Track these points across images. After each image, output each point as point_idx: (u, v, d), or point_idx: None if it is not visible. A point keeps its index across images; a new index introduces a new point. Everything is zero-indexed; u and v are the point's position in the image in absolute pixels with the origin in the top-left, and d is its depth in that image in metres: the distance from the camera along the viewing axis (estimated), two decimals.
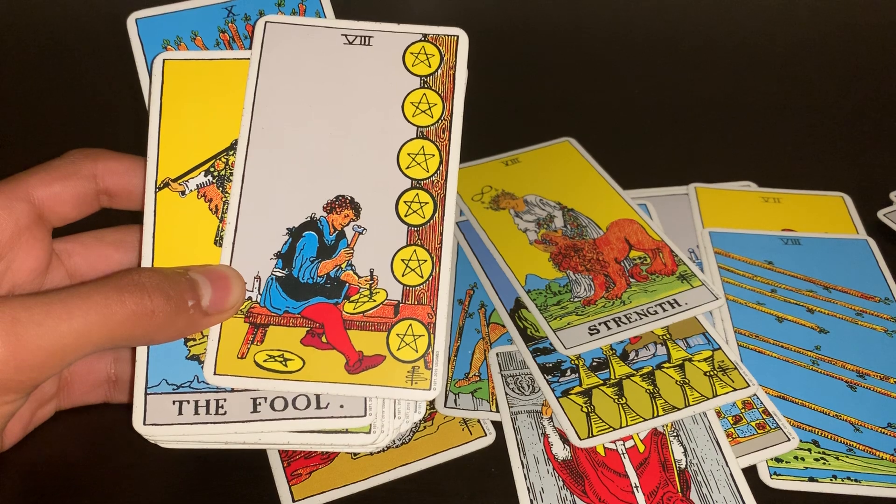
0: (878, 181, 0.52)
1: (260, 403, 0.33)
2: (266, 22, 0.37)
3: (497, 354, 0.41)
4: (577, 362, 0.40)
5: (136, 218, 0.36)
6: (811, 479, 0.36)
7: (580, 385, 0.39)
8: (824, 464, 0.36)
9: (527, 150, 0.54)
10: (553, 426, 0.38)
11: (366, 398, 0.33)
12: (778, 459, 0.37)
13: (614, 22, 0.71)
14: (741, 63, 0.66)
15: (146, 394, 0.33)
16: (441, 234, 0.34)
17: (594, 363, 0.40)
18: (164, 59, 0.36)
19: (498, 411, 0.39)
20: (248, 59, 0.36)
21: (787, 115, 0.60)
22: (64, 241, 0.37)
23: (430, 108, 0.35)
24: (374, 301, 0.34)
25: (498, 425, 0.38)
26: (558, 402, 0.38)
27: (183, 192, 0.35)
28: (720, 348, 0.40)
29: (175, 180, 0.35)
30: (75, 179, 0.35)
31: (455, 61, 0.36)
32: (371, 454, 0.37)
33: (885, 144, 0.57)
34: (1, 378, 0.28)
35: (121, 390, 0.38)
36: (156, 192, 0.35)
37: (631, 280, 0.44)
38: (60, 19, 0.71)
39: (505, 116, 0.60)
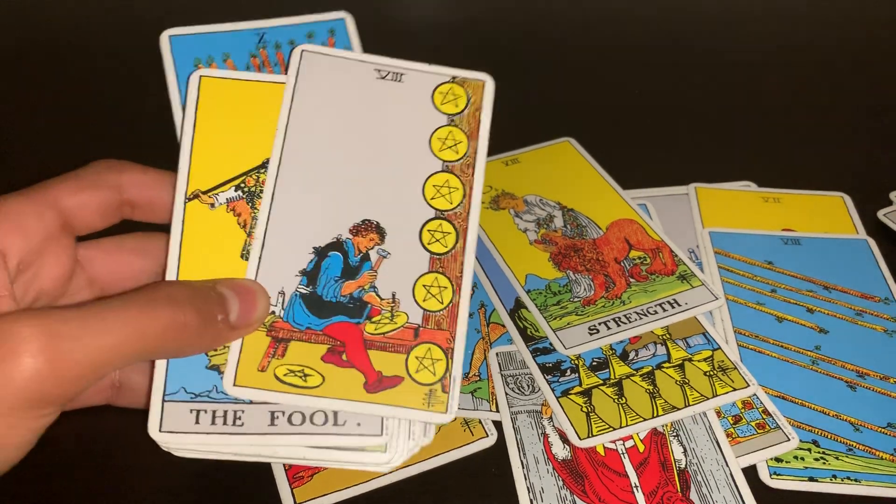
0: (878, 181, 0.52)
1: (277, 417, 0.33)
2: (303, 50, 0.37)
3: (497, 354, 0.42)
4: (576, 362, 0.40)
5: (155, 227, 0.36)
6: (811, 479, 0.36)
7: (580, 385, 0.39)
8: (824, 463, 0.36)
9: (527, 150, 0.54)
10: (553, 426, 0.38)
11: (383, 418, 0.33)
12: (778, 459, 0.37)
13: (614, 22, 0.71)
14: (741, 63, 0.66)
15: (164, 401, 0.33)
16: (462, 265, 0.35)
17: (594, 363, 0.40)
18: (200, 76, 0.37)
19: (498, 411, 0.39)
20: (283, 83, 0.37)
21: (787, 115, 0.60)
22: (84, 247, 0.37)
23: (455, 145, 0.36)
24: (395, 323, 0.34)
25: (498, 425, 0.39)
26: (558, 402, 0.38)
27: (212, 205, 0.35)
28: (720, 348, 0.41)
29: (205, 193, 0.35)
30: (101, 189, 0.35)
31: (481, 104, 0.37)
32: None
33: (885, 144, 0.57)
34: (42, 391, 0.28)
35: (123, 395, 0.38)
36: (185, 203, 0.35)
37: (631, 280, 0.44)
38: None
39: (505, 116, 0.60)
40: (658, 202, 0.50)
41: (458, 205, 0.36)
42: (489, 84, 0.37)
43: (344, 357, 0.33)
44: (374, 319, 0.34)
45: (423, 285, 0.35)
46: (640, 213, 0.48)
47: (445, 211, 0.36)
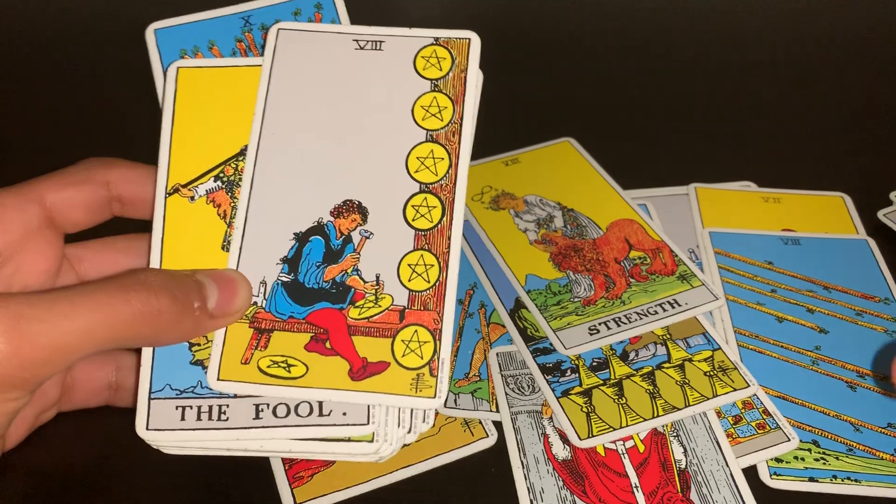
0: (878, 181, 0.52)
1: (262, 410, 0.32)
2: (279, 29, 0.37)
3: (497, 354, 0.42)
4: (577, 362, 0.40)
5: (147, 227, 0.36)
6: (811, 479, 0.36)
7: (580, 385, 0.39)
8: (824, 464, 0.36)
9: (527, 150, 0.54)
10: (553, 426, 0.38)
11: (369, 406, 0.32)
12: (778, 459, 0.37)
13: (614, 22, 0.71)
14: (741, 63, 0.66)
15: (150, 398, 0.33)
16: (449, 239, 0.34)
17: (594, 363, 0.40)
18: (177, 67, 0.36)
19: (498, 411, 0.39)
20: (261, 65, 0.36)
21: (787, 115, 0.60)
22: (75, 246, 0.37)
23: (440, 112, 0.35)
24: (380, 306, 0.33)
25: (498, 425, 0.39)
26: (558, 402, 0.38)
27: (192, 198, 0.35)
28: (720, 348, 0.40)
29: (185, 186, 0.35)
30: (88, 185, 0.35)
31: (467, 64, 0.36)
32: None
33: (885, 144, 0.57)
34: (4, 374, 0.28)
35: (122, 396, 0.38)
36: (165, 198, 0.35)
37: (631, 280, 0.44)
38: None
39: (505, 116, 0.60)
40: (658, 202, 0.50)
41: (444, 175, 0.35)
42: (475, 42, 0.36)
43: (328, 345, 0.33)
44: (357, 304, 0.33)
45: (409, 264, 0.34)
46: (640, 213, 0.48)
47: (430, 184, 0.34)
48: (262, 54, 0.37)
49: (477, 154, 0.53)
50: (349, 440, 0.32)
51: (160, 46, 0.38)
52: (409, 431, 0.33)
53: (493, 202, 0.49)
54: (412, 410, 0.33)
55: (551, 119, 0.59)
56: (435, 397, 0.32)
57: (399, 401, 0.32)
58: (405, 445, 0.37)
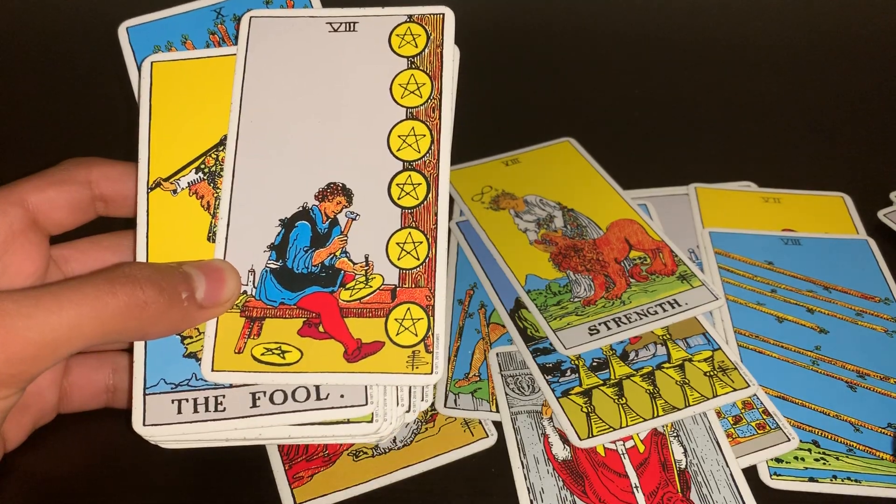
0: (878, 181, 0.52)
1: (259, 398, 0.32)
2: (251, 17, 0.37)
3: (497, 354, 0.42)
4: (577, 362, 0.40)
5: (133, 224, 0.36)
6: (811, 480, 0.36)
7: (580, 385, 0.39)
8: (824, 464, 0.36)
9: (527, 150, 0.54)
10: (553, 426, 0.38)
11: (366, 387, 0.32)
12: (778, 459, 0.37)
13: (614, 21, 0.71)
14: (741, 63, 0.66)
15: (145, 394, 0.33)
16: (436, 215, 0.34)
17: (594, 363, 0.40)
18: (151, 62, 0.36)
19: (498, 411, 0.39)
20: (235, 55, 0.36)
21: (787, 115, 0.60)
22: (61, 247, 0.37)
23: (418, 89, 0.35)
24: (371, 287, 0.33)
25: (498, 425, 0.38)
26: (558, 402, 0.38)
27: (175, 191, 0.35)
28: (720, 348, 0.40)
29: (166, 180, 0.35)
30: (70, 185, 0.35)
31: (442, 39, 0.36)
32: (373, 456, 0.37)
33: (885, 144, 0.57)
34: None
35: (120, 398, 0.38)
36: (148, 193, 0.35)
37: (631, 280, 0.44)
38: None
39: (505, 116, 0.60)
40: (658, 202, 0.50)
41: (427, 152, 0.34)
42: (449, 16, 0.36)
43: (321, 328, 0.33)
44: (348, 286, 0.33)
45: (397, 243, 0.34)
46: (640, 213, 0.48)
47: (414, 161, 0.34)
48: (235, 45, 0.37)
49: (477, 154, 0.53)
50: (348, 422, 0.32)
51: (133, 44, 0.38)
52: (408, 410, 0.33)
53: (493, 202, 0.49)
54: (410, 388, 0.33)
55: (551, 119, 0.59)
56: (432, 373, 0.32)
57: (396, 379, 0.32)
58: (405, 445, 0.37)
